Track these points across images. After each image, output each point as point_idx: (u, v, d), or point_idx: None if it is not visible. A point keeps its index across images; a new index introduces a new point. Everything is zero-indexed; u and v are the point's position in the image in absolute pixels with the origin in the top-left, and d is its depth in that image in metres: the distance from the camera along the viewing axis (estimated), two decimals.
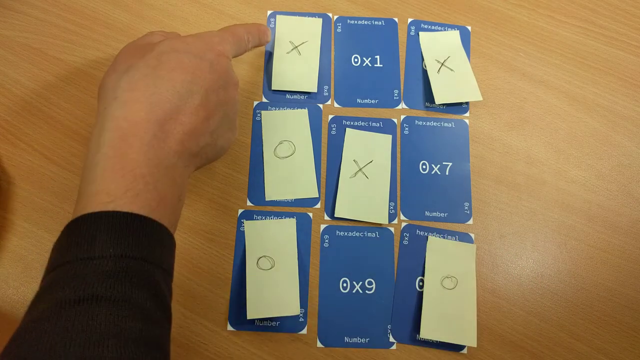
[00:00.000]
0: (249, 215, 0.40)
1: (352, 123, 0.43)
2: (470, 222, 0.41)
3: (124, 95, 0.28)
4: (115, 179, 0.26)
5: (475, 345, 0.37)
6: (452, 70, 0.44)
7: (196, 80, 0.30)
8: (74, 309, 0.22)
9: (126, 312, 0.23)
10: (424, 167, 0.42)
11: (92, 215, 0.25)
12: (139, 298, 0.24)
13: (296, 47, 0.44)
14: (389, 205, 0.41)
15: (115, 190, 0.25)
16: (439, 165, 0.42)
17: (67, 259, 0.24)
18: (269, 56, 0.45)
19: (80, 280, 0.23)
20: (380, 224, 0.41)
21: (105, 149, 0.27)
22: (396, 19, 0.46)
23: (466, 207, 0.41)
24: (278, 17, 0.46)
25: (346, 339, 0.38)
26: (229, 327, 0.37)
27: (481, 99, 0.43)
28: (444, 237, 0.40)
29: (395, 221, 0.41)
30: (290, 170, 0.41)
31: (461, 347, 0.38)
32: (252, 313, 0.36)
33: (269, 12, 0.46)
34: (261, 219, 0.40)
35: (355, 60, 0.45)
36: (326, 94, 0.44)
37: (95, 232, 0.24)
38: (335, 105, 0.44)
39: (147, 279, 0.25)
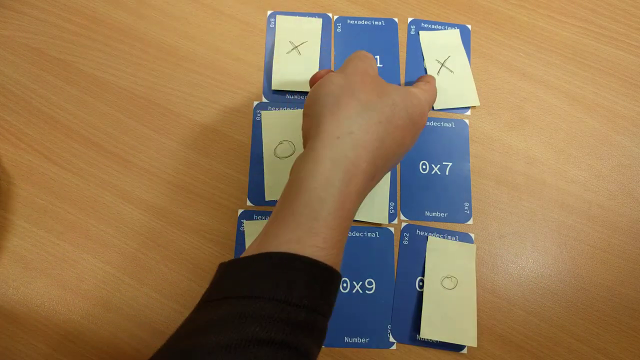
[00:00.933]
0: (249, 215, 0.40)
1: None
2: (470, 222, 0.41)
3: (359, 135, 0.29)
4: (334, 227, 0.27)
5: (475, 345, 0.37)
6: (452, 71, 0.44)
7: (403, 144, 0.32)
8: (263, 349, 0.23)
9: None
10: (424, 167, 0.42)
11: (302, 260, 0.26)
12: (314, 353, 0.26)
13: (296, 47, 0.44)
14: (389, 205, 0.41)
15: (330, 240, 0.27)
16: (439, 165, 0.42)
17: (263, 295, 0.25)
18: (269, 56, 0.45)
19: (272, 323, 0.24)
20: (380, 224, 0.41)
21: (335, 192, 0.27)
22: (396, 19, 0.46)
23: (466, 207, 0.41)
24: (278, 17, 0.46)
25: (346, 339, 0.38)
26: None
27: (479, 104, 0.43)
28: (444, 237, 0.40)
29: (395, 221, 0.41)
30: (290, 170, 0.41)
31: (461, 347, 0.38)
32: None
33: (269, 12, 0.46)
34: (261, 219, 0.40)
35: None
36: None
37: (300, 277, 0.26)
38: None
39: (322, 335, 0.27)
